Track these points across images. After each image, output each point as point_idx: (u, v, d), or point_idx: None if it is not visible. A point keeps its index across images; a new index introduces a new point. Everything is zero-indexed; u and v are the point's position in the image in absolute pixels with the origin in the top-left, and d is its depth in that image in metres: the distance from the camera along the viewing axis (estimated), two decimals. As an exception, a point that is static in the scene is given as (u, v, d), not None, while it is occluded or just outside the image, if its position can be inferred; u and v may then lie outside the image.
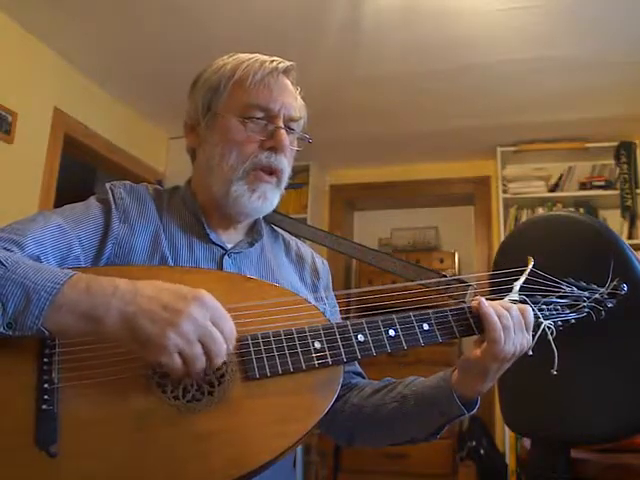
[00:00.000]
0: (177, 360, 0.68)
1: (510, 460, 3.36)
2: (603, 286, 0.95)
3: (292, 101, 0.98)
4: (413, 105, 3.35)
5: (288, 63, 0.99)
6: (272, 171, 0.96)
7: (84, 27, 2.64)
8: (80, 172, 3.63)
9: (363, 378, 1.08)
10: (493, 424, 3.62)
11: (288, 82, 0.99)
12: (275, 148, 0.94)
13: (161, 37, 2.69)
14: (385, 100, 3.28)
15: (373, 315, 0.86)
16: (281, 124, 0.95)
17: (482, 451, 3.38)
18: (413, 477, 3.48)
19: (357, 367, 1.09)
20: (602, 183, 3.71)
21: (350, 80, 3.06)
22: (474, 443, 3.41)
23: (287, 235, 1.13)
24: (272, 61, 0.97)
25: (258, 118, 0.95)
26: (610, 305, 0.94)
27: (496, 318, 0.83)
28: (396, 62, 2.85)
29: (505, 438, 3.44)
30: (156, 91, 3.18)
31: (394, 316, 0.85)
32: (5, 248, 0.78)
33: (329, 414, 0.99)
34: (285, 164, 0.97)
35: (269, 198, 0.97)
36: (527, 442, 1.43)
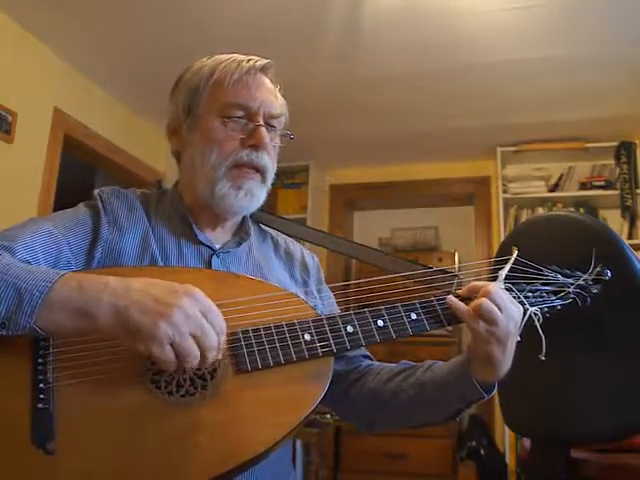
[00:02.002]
0: (169, 352, 0.69)
1: (510, 460, 3.37)
2: (587, 272, 0.96)
3: (272, 98, 0.98)
4: (413, 105, 3.35)
5: (265, 61, 0.99)
6: (255, 168, 0.96)
7: (84, 27, 2.64)
8: (80, 172, 3.63)
9: (371, 360, 1.08)
10: (493, 424, 3.63)
11: (266, 80, 0.99)
12: (256, 146, 0.95)
13: (161, 37, 2.69)
14: (385, 100, 3.28)
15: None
16: (261, 122, 0.96)
17: (482, 451, 3.38)
18: (413, 477, 3.48)
19: (364, 350, 1.08)
20: (602, 183, 3.71)
21: (350, 80, 3.06)
22: (474, 443, 3.41)
23: (275, 233, 1.13)
24: (249, 60, 0.98)
25: (238, 117, 0.95)
26: (595, 291, 0.95)
27: (466, 308, 0.83)
28: (396, 62, 2.85)
29: (505, 438, 3.45)
30: (156, 91, 3.16)
31: (382, 307, 0.86)
32: None
33: (347, 401, 1.00)
34: (267, 161, 0.97)
35: (255, 195, 0.97)
36: (527, 442, 1.43)
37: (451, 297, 0.86)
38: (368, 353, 1.08)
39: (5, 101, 2.56)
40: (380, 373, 1.00)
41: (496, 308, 0.81)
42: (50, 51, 2.82)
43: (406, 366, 1.00)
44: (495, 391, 0.89)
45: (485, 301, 0.82)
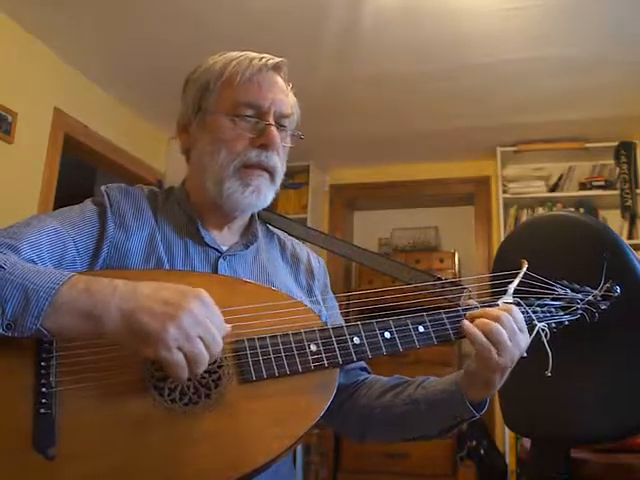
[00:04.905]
0: (177, 356, 0.68)
1: (510, 460, 3.37)
2: (597, 288, 0.95)
3: (283, 97, 0.97)
4: (413, 105, 3.35)
5: (278, 59, 0.97)
6: (264, 168, 0.95)
7: (84, 27, 2.64)
8: (80, 172, 3.63)
9: (368, 372, 1.07)
10: (493, 424, 3.62)
11: (278, 78, 0.98)
12: (266, 145, 0.93)
13: (161, 37, 2.69)
14: (385, 99, 3.28)
15: (371, 317, 0.86)
16: (271, 121, 0.94)
17: (482, 451, 3.38)
18: (413, 477, 3.48)
19: (361, 362, 1.06)
20: (602, 183, 3.71)
21: (350, 79, 3.06)
22: (474, 443, 3.40)
23: (283, 235, 1.12)
24: (261, 58, 0.96)
25: (248, 116, 0.94)
26: (604, 307, 0.94)
27: (483, 338, 0.81)
28: (396, 62, 2.85)
29: (505, 438, 3.45)
30: (156, 91, 3.18)
31: (389, 318, 0.85)
32: (1, 252, 0.77)
33: (340, 414, 0.99)
34: (276, 161, 0.95)
35: (263, 192, 0.96)
36: (527, 442, 1.42)
37: (467, 323, 0.84)
38: (365, 365, 1.07)
39: (5, 101, 2.56)
40: (372, 388, 1.00)
41: (506, 336, 0.81)
42: (50, 51, 2.82)
43: (399, 381, 0.99)
44: (486, 408, 0.89)
45: (497, 327, 0.81)
